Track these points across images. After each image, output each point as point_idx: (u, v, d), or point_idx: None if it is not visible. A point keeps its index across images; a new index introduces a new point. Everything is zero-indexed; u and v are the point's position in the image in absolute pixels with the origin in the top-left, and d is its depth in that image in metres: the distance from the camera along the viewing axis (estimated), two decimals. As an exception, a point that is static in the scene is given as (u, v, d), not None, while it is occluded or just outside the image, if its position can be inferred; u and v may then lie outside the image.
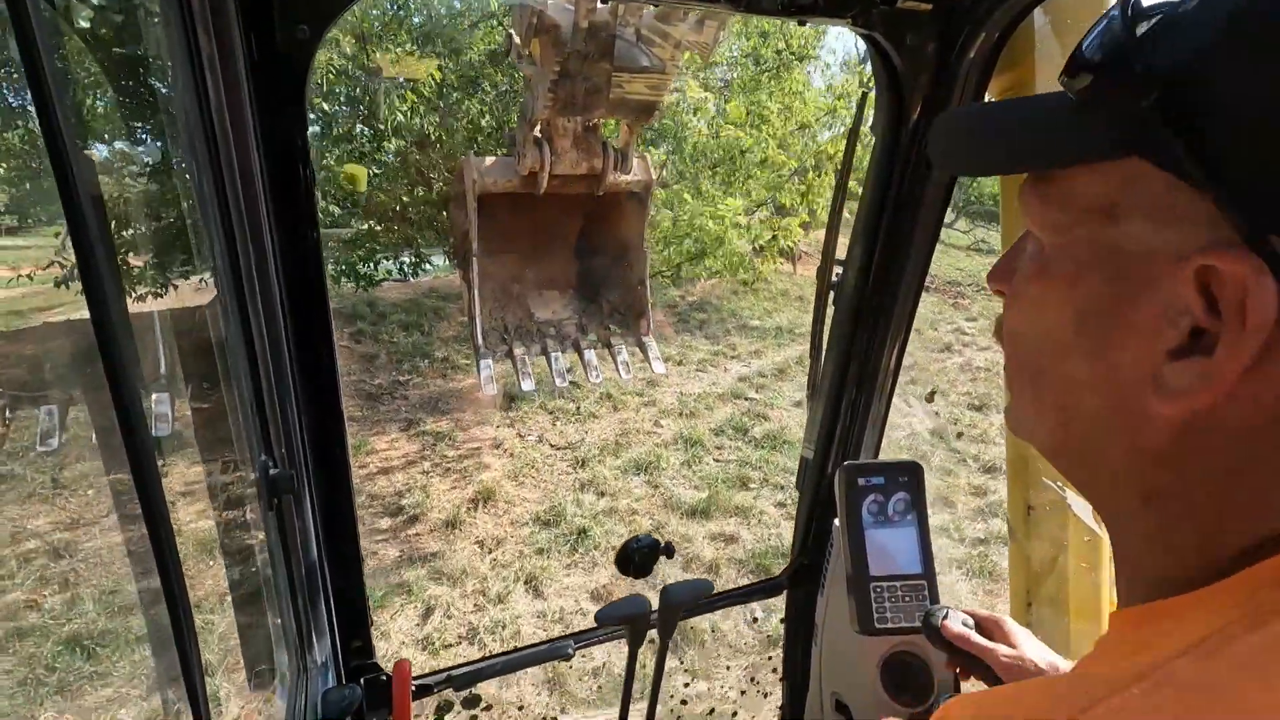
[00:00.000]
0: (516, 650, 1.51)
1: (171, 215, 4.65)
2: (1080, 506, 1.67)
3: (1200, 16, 0.38)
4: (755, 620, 4.18)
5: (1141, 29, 0.40)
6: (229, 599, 3.05)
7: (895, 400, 1.62)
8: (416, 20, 6.32)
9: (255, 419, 1.07)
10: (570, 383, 7.14)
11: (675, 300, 10.38)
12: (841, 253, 1.53)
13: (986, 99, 1.33)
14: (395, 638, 4.14)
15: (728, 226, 6.45)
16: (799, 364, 8.38)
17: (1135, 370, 0.42)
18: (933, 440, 6.75)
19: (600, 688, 3.64)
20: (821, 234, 1.61)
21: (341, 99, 6.15)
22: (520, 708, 3.53)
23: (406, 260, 7.13)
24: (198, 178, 0.93)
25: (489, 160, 2.10)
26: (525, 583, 4.59)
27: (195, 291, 4.85)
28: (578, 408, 7.05)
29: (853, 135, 1.52)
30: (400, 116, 5.88)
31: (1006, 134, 0.50)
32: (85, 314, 0.62)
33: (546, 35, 1.62)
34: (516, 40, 1.73)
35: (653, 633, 1.48)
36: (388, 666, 1.36)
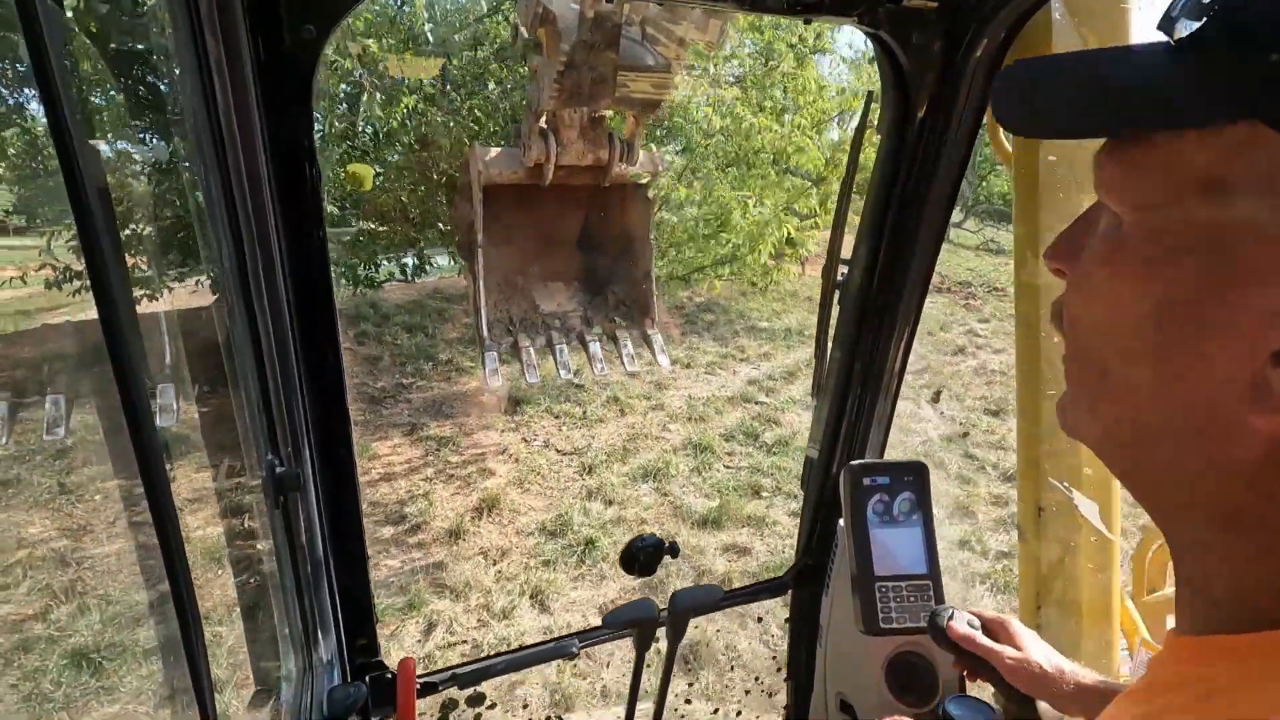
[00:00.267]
0: (521, 649, 1.51)
1: (177, 214, 4.67)
2: (1089, 508, 1.66)
3: None
4: (760, 620, 4.16)
5: None
6: (234, 597, 3.06)
7: (909, 406, 1.61)
8: (415, 19, 6.29)
9: (261, 417, 1.07)
10: (576, 384, 7.16)
11: (683, 301, 10.31)
12: (847, 252, 1.52)
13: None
14: (395, 656, 4.06)
15: (761, 227, 6.22)
16: (809, 367, 8.30)
17: (1229, 375, 0.36)
18: (949, 447, 6.56)
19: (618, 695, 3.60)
20: (828, 234, 1.61)
21: (341, 97, 6.13)
22: (525, 706, 3.53)
23: (409, 262, 7.08)
24: (204, 177, 0.94)
25: (494, 151, 2.10)
26: (531, 597, 4.47)
27: (201, 291, 4.88)
28: (584, 411, 6.99)
29: (858, 134, 1.52)
30: (400, 113, 5.85)
31: (1088, 89, 0.42)
32: (90, 314, 0.63)
33: (551, 25, 1.63)
34: (522, 30, 1.73)
35: (659, 632, 1.47)
36: (392, 665, 1.36)
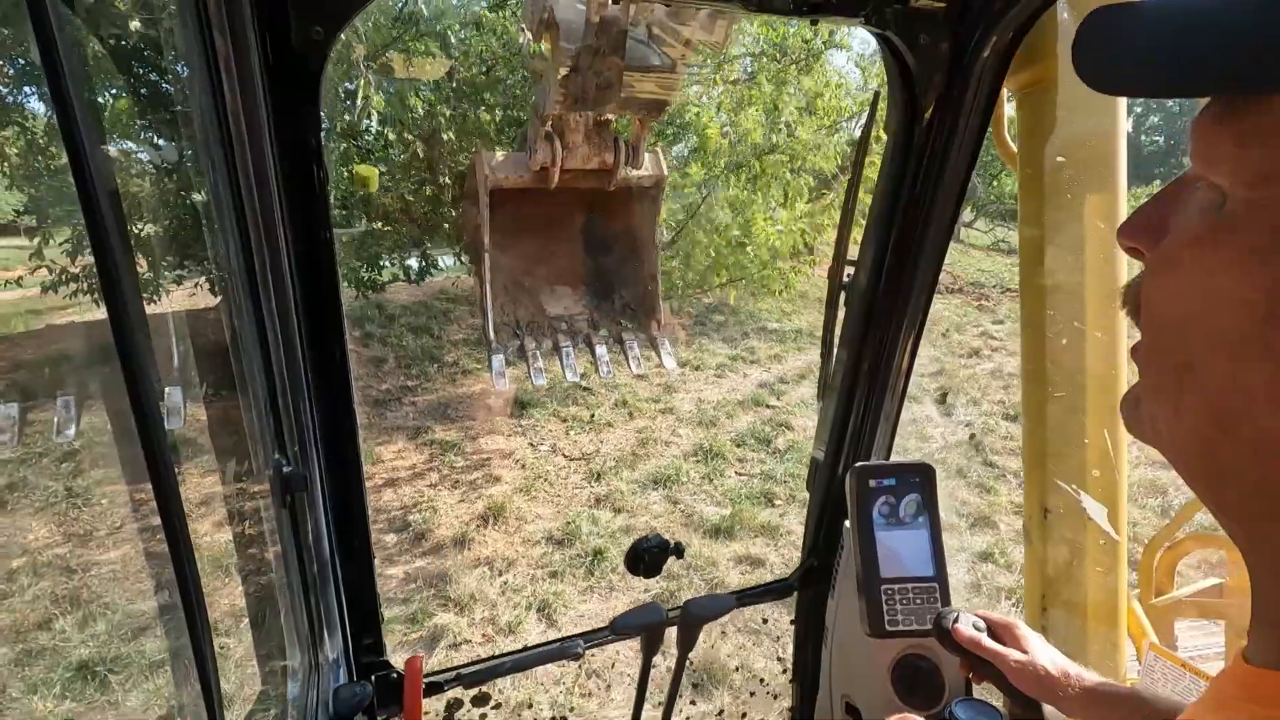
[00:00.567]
0: (526, 649, 1.51)
1: (185, 215, 4.69)
2: (1095, 510, 1.65)
3: None
4: (765, 621, 4.15)
5: None
6: (240, 595, 3.08)
7: (926, 411, 1.61)
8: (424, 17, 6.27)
9: (269, 417, 1.08)
10: (583, 387, 7.13)
11: (692, 302, 10.30)
12: (853, 253, 1.52)
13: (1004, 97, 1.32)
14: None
15: (777, 237, 6.13)
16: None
17: None
18: (968, 453, 6.37)
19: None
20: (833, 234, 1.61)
21: (343, 95, 6.10)
22: (529, 705, 3.52)
23: (413, 264, 7.04)
24: (213, 177, 0.94)
25: (501, 155, 2.12)
26: (538, 610, 4.34)
27: (209, 291, 4.90)
28: (592, 415, 6.91)
29: (865, 133, 1.52)
30: (410, 113, 5.84)
31: (1204, 37, 0.35)
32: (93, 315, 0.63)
33: (556, 30, 1.63)
34: (528, 35, 1.74)
35: (668, 635, 1.47)
36: (397, 664, 1.36)
